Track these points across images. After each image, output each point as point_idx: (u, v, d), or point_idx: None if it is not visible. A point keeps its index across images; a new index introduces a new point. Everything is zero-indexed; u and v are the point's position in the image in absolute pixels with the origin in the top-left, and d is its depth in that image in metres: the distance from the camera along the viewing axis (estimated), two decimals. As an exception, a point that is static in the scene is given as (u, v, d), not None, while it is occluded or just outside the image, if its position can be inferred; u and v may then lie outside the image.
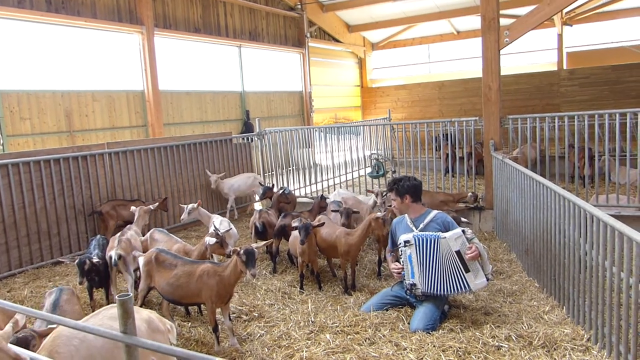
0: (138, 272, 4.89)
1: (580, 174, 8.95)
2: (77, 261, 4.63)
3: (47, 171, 6.85)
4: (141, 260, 4.53)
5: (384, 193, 6.49)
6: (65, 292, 3.95)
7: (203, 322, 4.71)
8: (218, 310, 4.23)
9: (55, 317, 2.56)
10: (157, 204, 7.05)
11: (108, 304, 4.87)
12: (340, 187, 9.60)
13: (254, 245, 4.05)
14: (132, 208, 6.17)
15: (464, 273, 4.25)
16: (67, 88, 9.86)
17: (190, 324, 4.68)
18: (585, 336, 3.86)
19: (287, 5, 15.93)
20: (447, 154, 10.90)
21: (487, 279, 4.31)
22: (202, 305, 4.82)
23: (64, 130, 9.73)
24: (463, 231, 4.28)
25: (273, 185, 8.27)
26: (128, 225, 5.71)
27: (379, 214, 5.11)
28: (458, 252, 4.23)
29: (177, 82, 12.23)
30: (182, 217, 6.51)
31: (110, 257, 4.95)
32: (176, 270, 4.21)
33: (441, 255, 4.29)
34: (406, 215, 4.73)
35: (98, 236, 5.49)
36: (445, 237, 4.28)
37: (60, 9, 9.51)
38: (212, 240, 4.80)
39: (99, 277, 4.81)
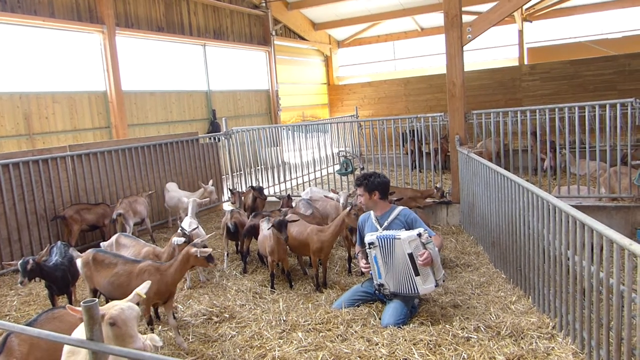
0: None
1: (542, 166, 9.19)
2: (20, 261, 4.49)
3: (6, 176, 6.61)
4: (79, 262, 4.51)
5: (343, 199, 6.61)
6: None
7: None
8: (162, 310, 4.23)
9: (17, 327, 2.48)
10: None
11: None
12: (310, 185, 9.59)
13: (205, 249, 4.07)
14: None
15: (414, 276, 4.23)
16: (26, 90, 9.53)
17: (160, 327, 4.60)
18: (551, 324, 3.97)
19: (252, 3, 15.80)
20: (414, 150, 11.04)
21: (437, 284, 4.29)
22: (158, 309, 4.79)
23: (22, 133, 9.40)
24: (419, 234, 4.22)
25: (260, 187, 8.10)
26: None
27: (349, 209, 5.11)
28: (410, 255, 4.18)
29: (140, 82, 11.98)
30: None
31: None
32: (117, 269, 4.22)
33: (396, 255, 4.28)
34: (372, 212, 4.75)
35: (58, 242, 5.33)
36: (400, 239, 4.22)
37: (16, 8, 9.17)
38: (180, 239, 4.81)
39: (55, 282, 4.69)
